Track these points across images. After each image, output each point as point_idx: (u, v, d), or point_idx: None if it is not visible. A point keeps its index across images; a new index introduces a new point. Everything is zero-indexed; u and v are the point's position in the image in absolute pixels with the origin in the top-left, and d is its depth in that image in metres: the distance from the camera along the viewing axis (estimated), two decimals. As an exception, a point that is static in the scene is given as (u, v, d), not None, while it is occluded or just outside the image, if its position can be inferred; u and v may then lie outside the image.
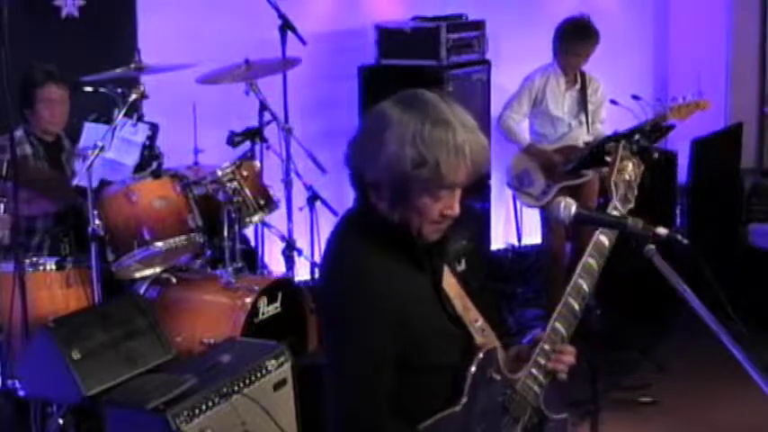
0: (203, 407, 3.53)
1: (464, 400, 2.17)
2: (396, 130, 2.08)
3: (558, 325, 2.34)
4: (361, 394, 2.11)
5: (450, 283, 2.30)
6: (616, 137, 5.15)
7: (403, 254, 2.18)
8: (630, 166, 2.61)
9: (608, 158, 2.69)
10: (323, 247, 2.33)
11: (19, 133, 4.51)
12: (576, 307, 2.37)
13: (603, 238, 2.43)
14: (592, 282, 2.40)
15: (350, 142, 2.18)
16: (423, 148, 2.06)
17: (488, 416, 2.22)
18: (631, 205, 2.56)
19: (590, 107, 5.75)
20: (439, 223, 2.17)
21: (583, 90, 5.74)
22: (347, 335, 2.11)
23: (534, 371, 2.30)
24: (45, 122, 4.62)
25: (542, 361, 2.31)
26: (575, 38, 5.64)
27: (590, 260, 2.41)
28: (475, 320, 2.29)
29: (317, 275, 5.59)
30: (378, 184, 2.13)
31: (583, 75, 5.76)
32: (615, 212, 2.50)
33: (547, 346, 2.31)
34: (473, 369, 2.19)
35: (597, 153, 5.27)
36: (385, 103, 2.15)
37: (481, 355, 2.21)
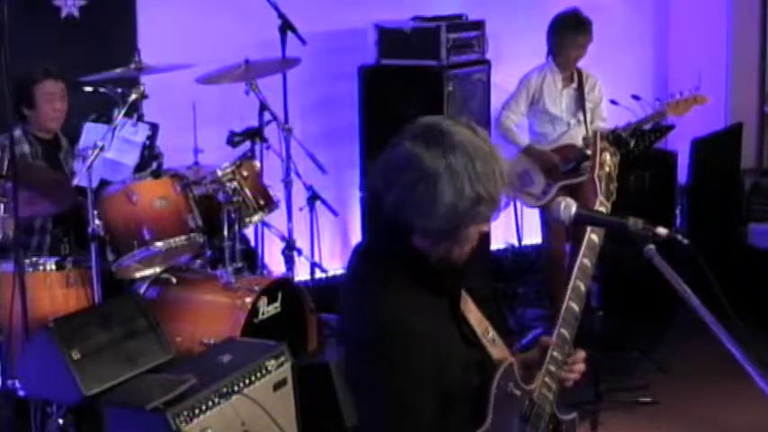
0: (203, 407, 3.53)
1: (489, 420, 2.17)
2: (448, 180, 2.04)
3: (563, 331, 2.36)
4: None
5: (463, 296, 2.30)
6: (615, 133, 5.16)
7: (425, 284, 2.16)
8: (608, 156, 2.58)
9: (588, 152, 2.65)
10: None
11: (17, 132, 4.52)
12: (577, 309, 2.38)
13: (594, 237, 2.44)
14: (587, 281, 2.42)
15: (381, 195, 2.10)
16: (479, 186, 2.06)
17: (514, 429, 2.24)
18: (613, 198, 2.55)
19: (588, 105, 5.74)
20: (473, 243, 2.18)
21: (580, 88, 5.74)
22: (391, 398, 2.07)
23: (547, 379, 2.31)
24: (48, 118, 4.66)
25: (553, 368, 2.32)
26: (575, 29, 5.64)
27: (585, 260, 2.42)
28: (487, 332, 2.29)
29: (316, 275, 5.61)
30: (428, 230, 2.10)
31: (579, 72, 5.77)
32: (602, 209, 2.49)
33: (556, 354, 2.33)
34: (495, 389, 2.19)
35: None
36: (417, 151, 2.06)
37: (501, 373, 2.21)
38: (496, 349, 2.28)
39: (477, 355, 2.23)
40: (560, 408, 2.36)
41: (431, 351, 2.09)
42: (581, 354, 2.38)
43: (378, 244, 2.22)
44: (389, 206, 2.10)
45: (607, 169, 2.56)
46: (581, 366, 2.37)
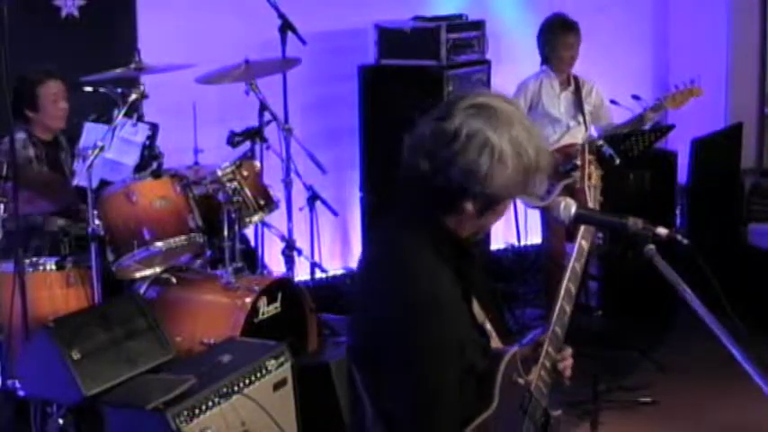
0: (203, 407, 3.53)
1: (495, 403, 2.19)
2: (512, 150, 2.08)
3: (557, 329, 2.43)
4: (440, 426, 2.09)
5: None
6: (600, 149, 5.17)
7: (451, 262, 2.16)
8: (593, 169, 2.70)
9: (577, 163, 2.75)
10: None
11: (22, 135, 4.54)
12: (568, 309, 2.45)
13: (584, 243, 2.53)
14: (577, 283, 2.51)
15: (427, 170, 2.10)
16: (537, 155, 2.11)
17: (513, 418, 2.27)
18: (598, 209, 2.66)
19: (586, 108, 5.75)
20: (502, 217, 2.23)
21: (577, 92, 5.75)
22: (426, 369, 2.07)
23: (543, 374, 2.37)
24: (55, 118, 4.68)
25: (548, 363, 2.38)
26: (562, 29, 5.65)
27: (576, 265, 2.50)
28: (485, 323, 2.32)
29: (316, 275, 5.61)
30: (488, 199, 2.12)
31: (576, 78, 5.77)
32: None
33: (551, 349, 2.39)
34: (501, 374, 2.22)
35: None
36: (477, 125, 2.09)
37: (507, 359, 2.24)
38: (493, 341, 2.31)
39: (483, 339, 2.27)
40: (550, 403, 2.41)
41: (455, 326, 2.11)
42: (569, 350, 2.45)
43: (411, 218, 2.20)
44: (440, 178, 2.09)
45: (594, 181, 2.68)
46: (570, 360, 2.44)
